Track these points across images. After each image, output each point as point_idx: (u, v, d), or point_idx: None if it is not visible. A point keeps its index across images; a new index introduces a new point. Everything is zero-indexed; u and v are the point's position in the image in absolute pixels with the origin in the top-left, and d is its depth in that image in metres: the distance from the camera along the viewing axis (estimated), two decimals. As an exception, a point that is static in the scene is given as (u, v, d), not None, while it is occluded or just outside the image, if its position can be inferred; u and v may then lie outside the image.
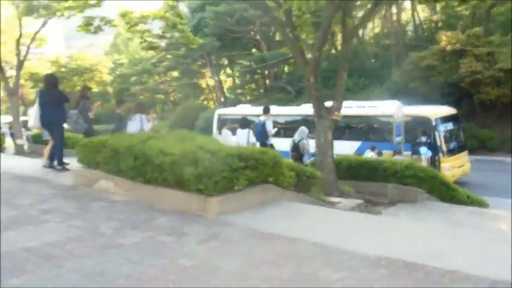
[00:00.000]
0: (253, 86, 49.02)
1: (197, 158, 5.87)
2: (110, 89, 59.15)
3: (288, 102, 34.64)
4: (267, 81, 45.52)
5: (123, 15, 14.75)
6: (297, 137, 12.05)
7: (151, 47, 28.69)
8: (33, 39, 18.83)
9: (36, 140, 19.78)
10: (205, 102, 55.71)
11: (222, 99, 46.85)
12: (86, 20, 14.98)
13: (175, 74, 57.15)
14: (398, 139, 16.25)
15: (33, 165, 10.40)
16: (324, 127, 9.80)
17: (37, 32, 18.71)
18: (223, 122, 24.91)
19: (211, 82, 50.97)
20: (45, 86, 9.16)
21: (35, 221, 5.73)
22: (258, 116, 17.64)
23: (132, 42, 71.87)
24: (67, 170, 8.85)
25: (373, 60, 38.22)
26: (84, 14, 15.18)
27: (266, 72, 43.92)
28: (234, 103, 39.10)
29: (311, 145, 11.97)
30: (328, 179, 9.35)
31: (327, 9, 8.90)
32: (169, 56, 50.58)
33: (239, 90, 48.12)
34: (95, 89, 50.52)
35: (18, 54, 18.72)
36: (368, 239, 4.83)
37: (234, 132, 11.77)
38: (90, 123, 9.59)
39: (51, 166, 9.11)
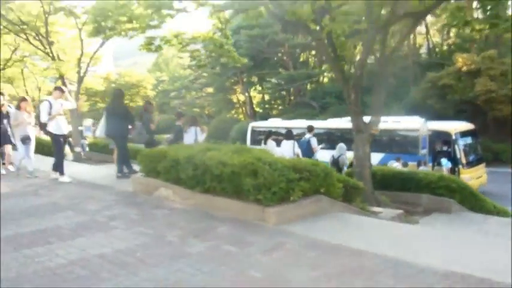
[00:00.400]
0: (279, 101, 48.70)
1: (256, 169, 5.50)
2: (153, 103, 59.52)
3: (313, 116, 34.10)
4: (292, 97, 45.14)
5: (176, 35, 14.57)
6: (336, 152, 11.65)
7: (200, 65, 28.45)
8: (91, 58, 18.89)
9: (91, 148, 19.81)
10: (235, 116, 55.55)
11: (251, 113, 46.64)
12: (148, 40, 14.84)
13: (210, 90, 57.21)
14: (423, 151, 15.67)
15: (95, 172, 10.20)
16: (362, 141, 9.34)
17: (96, 52, 18.76)
18: (256, 134, 24.59)
19: (242, 97, 50.86)
20: (111, 99, 8.95)
21: (104, 227, 5.40)
22: (287, 128, 17.17)
23: (172, 61, 72.89)
24: (135, 172, 8.57)
25: (391, 79, 37.40)
26: (145, 34, 15.03)
27: (292, 89, 43.53)
28: (263, 117, 38.77)
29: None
30: (367, 189, 8.83)
31: (369, 30, 8.50)
32: (205, 74, 50.73)
33: (267, 105, 47.81)
34: (140, 102, 50.93)
35: (78, 72, 18.78)
36: (429, 252, 4.36)
37: (277, 144, 11.36)
38: (152, 134, 9.36)
39: (121, 173, 8.80)
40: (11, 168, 9.47)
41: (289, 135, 10.99)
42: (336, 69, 9.60)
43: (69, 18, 18.36)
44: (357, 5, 9.02)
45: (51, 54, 18.87)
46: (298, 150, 10.43)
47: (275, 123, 25.19)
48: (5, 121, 8.83)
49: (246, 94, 47.94)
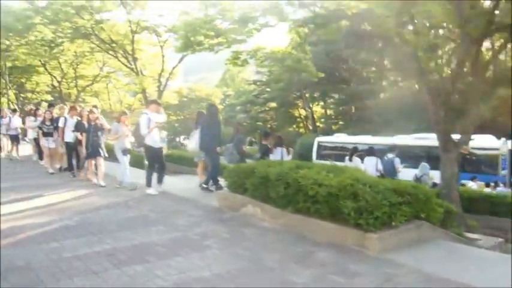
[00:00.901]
0: (340, 116, 47.46)
1: (356, 191, 4.86)
2: (220, 117, 60.27)
3: (376, 132, 32.70)
4: (354, 112, 43.78)
5: (256, 50, 14.29)
6: (419, 172, 10.73)
7: (278, 79, 28.14)
8: (171, 73, 19.11)
9: (166, 159, 19.87)
10: (297, 130, 54.86)
11: (313, 128, 45.80)
12: (235, 54, 14.70)
13: (273, 104, 56.99)
14: (503, 172, 14.18)
15: (176, 184, 9.91)
16: (450, 160, 8.40)
17: (175, 67, 18.96)
18: (322, 149, 23.78)
19: (304, 112, 50.14)
20: (208, 115, 8.63)
21: (198, 246, 4.97)
22: (354, 144, 16.19)
23: (238, 77, 73.66)
24: (221, 188, 8.17)
25: (457, 96, 35.22)
26: (230, 49, 14.93)
27: (353, 104, 42.26)
28: (324, 131, 37.80)
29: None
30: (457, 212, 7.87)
31: (462, 44, 7.63)
32: (268, 89, 50.61)
33: (330, 120, 46.73)
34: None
35: (159, 86, 19.04)
36: None
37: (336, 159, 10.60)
38: (242, 155, 9.00)
39: (206, 186, 8.44)
40: (95, 180, 9.23)
41: (371, 151, 10.21)
42: (423, 84, 8.74)
43: (152, 36, 18.67)
44: (443, 17, 8.18)
45: (135, 70, 19.31)
46: (380, 167, 9.64)
47: (341, 138, 24.26)
48: (99, 133, 8.78)
49: (308, 109, 47.21)
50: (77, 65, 28.06)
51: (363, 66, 42.16)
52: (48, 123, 10.41)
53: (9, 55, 27.34)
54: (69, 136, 9.73)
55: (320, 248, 4.84)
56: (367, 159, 9.97)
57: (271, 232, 5.55)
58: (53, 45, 20.88)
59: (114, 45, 18.54)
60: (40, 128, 10.46)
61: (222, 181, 8.19)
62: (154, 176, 8.50)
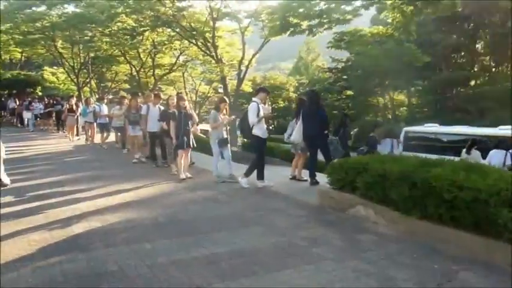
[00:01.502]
0: (425, 105, 44.54)
1: (515, 197, 3.90)
2: (293, 105, 59.45)
3: (469, 122, 30.09)
4: (443, 101, 40.81)
5: (354, 33, 13.31)
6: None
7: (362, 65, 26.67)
8: (250, 60, 18.67)
9: (245, 148, 19.55)
10: (374, 119, 52.50)
11: (393, 117, 43.43)
12: (338, 36, 13.81)
13: (349, 92, 55.09)
14: None
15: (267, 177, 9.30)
16: None
17: (255, 54, 18.47)
18: (410, 140, 22.13)
19: (381, 100, 47.78)
20: (307, 101, 7.99)
21: (308, 255, 4.30)
22: (448, 134, 14.79)
23: (312, 65, 72.29)
24: (317, 183, 7.56)
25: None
26: (331, 31, 14.08)
27: (442, 92, 39.35)
28: (407, 121, 35.63)
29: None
30: None
31: None
32: (344, 77, 48.87)
33: (414, 109, 44.04)
34: (281, 104, 51.13)
35: (239, 74, 18.70)
36: None
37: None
38: (347, 149, 8.25)
39: (313, 181, 7.76)
40: (182, 175, 8.58)
41: (503, 143, 8.86)
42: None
43: (231, 23, 18.34)
44: None
45: (215, 58, 19.10)
46: (509, 162, 8.32)
47: (432, 128, 22.40)
48: (189, 122, 8.35)
49: (387, 96, 44.86)
50: (155, 54, 28.63)
51: (453, 51, 39.10)
52: (134, 111, 10.32)
53: (92, 46, 28.55)
54: (154, 125, 9.52)
55: (462, 266, 3.97)
56: (493, 152, 8.67)
57: (392, 241, 4.75)
58: (134, 34, 21.32)
59: (194, 32, 18.42)
60: (126, 116, 10.40)
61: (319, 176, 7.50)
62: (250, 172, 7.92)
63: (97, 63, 32.59)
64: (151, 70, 30.32)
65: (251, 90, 48.57)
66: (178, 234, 5.01)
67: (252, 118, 7.47)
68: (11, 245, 4.60)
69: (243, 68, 18.93)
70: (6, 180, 4.80)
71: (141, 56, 28.67)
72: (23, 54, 38.47)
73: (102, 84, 39.15)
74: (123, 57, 29.41)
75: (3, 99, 36.48)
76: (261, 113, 7.48)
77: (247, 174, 7.67)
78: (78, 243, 4.68)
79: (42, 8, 28.71)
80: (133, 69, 30.22)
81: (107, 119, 13.40)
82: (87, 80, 34.15)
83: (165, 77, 32.10)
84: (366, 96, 50.99)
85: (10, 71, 35.06)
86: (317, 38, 75.05)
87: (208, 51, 19.56)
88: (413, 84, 42.21)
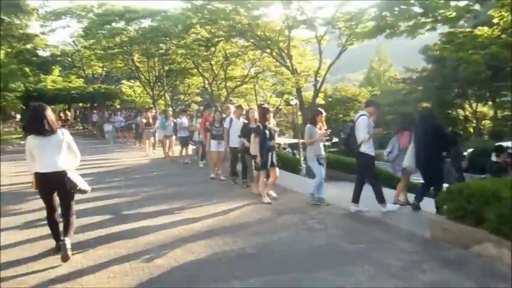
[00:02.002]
0: (513, 117, 40.74)
1: None
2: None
3: None
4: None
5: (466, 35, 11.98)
6: None
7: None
8: (327, 70, 17.81)
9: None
10: (455, 132, 48.97)
11: (477, 131, 40.21)
12: (451, 36, 12.54)
13: (426, 104, 52.06)
14: None
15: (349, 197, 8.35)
16: None
17: (332, 63, 17.60)
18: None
19: (462, 112, 44.54)
20: (421, 120, 6.93)
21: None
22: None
23: (384, 76, 69.67)
24: (418, 208, 6.61)
25: None
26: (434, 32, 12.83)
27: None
28: (493, 136, 32.80)
29: None
30: None
31: None
32: (420, 88, 46.28)
33: (501, 122, 40.52)
34: (353, 116, 49.51)
35: (315, 85, 17.90)
36: None
37: None
38: (461, 173, 7.17)
39: (416, 205, 6.78)
40: (266, 199, 7.61)
41: None
42: None
43: (304, 32, 17.62)
44: None
45: (290, 68, 18.46)
46: None
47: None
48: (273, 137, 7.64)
49: (471, 109, 41.72)
50: (227, 66, 28.66)
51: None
52: (217, 124, 9.69)
53: (167, 59, 29.19)
54: (235, 140, 8.85)
55: None
56: None
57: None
58: (209, 44, 21.34)
59: (268, 42, 17.95)
60: (209, 130, 9.86)
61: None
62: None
63: (171, 76, 33.36)
64: (223, 82, 30.40)
65: (323, 102, 47.64)
66: (270, 270, 4.29)
67: (363, 134, 6.58)
68: (91, 276, 4.16)
69: (319, 78, 18.07)
70: (86, 187, 4.81)
71: (214, 68, 28.84)
72: (104, 69, 40.49)
73: (175, 97, 40.11)
74: (196, 70, 29.78)
75: (86, 112, 38.56)
76: (371, 129, 6.59)
77: (381, 200, 6.74)
78: (160, 278, 4.11)
79: (121, 24, 29.89)
80: (206, 81, 30.48)
81: (187, 131, 12.95)
82: (162, 93, 35.04)
83: (236, 89, 32.08)
84: (443, 108, 47.95)
85: (92, 85, 36.88)
86: (389, 47, 72.04)
87: (282, 62, 18.94)
88: (501, 95, 38.93)
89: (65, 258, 4.35)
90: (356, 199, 6.84)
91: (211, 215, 6.65)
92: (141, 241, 5.27)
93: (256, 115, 8.17)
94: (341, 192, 8.35)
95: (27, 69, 25.61)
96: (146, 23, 30.35)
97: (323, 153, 7.43)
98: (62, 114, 43.13)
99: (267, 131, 7.39)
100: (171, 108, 29.51)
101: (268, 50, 18.93)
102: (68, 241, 4.46)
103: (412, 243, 5.20)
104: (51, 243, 4.91)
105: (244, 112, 9.23)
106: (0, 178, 9.90)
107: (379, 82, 70.25)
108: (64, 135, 4.63)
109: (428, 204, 6.72)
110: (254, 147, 7.53)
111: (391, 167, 7.62)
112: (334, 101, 48.11)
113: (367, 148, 6.64)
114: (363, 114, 6.72)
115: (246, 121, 8.65)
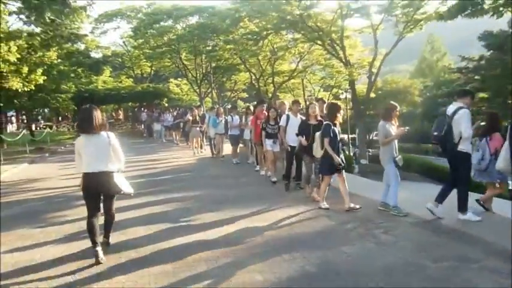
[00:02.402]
0: None
1: None
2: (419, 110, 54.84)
3: None
4: None
5: None
6: None
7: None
8: (382, 61, 16.70)
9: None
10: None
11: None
12: None
13: (483, 95, 48.96)
14: None
15: (414, 200, 7.42)
16: None
17: (388, 53, 16.47)
18: None
19: (524, 102, 41.35)
20: None
21: None
22: None
23: (437, 65, 66.37)
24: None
25: None
26: None
27: None
28: None
29: None
30: None
31: None
32: (477, 77, 43.43)
33: None
34: (404, 109, 47.28)
35: (369, 77, 16.85)
36: None
37: None
38: None
39: None
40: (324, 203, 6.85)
41: None
42: None
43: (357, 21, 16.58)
44: None
45: (344, 60, 17.47)
46: None
47: None
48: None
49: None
50: (274, 61, 27.97)
51: None
52: (272, 122, 8.89)
53: (214, 55, 28.92)
54: (293, 139, 7.97)
55: None
56: None
57: None
58: (258, 38, 20.68)
59: (320, 33, 17.04)
60: (264, 128, 9.06)
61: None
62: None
63: (218, 73, 33.12)
64: (271, 78, 29.74)
65: (373, 95, 45.88)
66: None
67: (468, 130, 5.66)
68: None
69: (374, 70, 16.94)
70: (129, 190, 4.94)
71: (261, 63, 28.25)
72: (152, 68, 40.99)
73: (222, 94, 39.92)
74: (243, 66, 29.31)
75: (135, 110, 39.18)
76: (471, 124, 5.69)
77: (462, 209, 5.87)
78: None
79: (169, 22, 29.98)
80: (253, 77, 29.95)
81: (238, 130, 12.27)
82: (209, 91, 34.88)
83: (283, 85, 31.34)
84: (505, 97, 44.99)
85: (140, 84, 37.37)
86: (443, 37, 68.36)
87: (334, 53, 17.96)
88: None
89: (98, 262, 4.49)
90: (440, 200, 5.96)
91: (266, 225, 6.00)
92: (191, 258, 4.70)
93: (318, 111, 7.38)
94: (406, 196, 7.48)
95: (79, 71, 26.18)
96: (194, 20, 30.30)
97: (398, 154, 6.49)
98: (114, 114, 44.41)
99: (336, 130, 6.53)
100: (217, 106, 29.25)
101: (320, 42, 17.91)
102: (106, 241, 4.95)
103: (507, 262, 4.32)
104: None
105: (301, 107, 8.39)
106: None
107: (432, 73, 67.08)
108: (110, 137, 4.73)
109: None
110: (318, 149, 6.66)
111: (479, 176, 6.47)
112: (384, 94, 46.13)
113: (465, 146, 5.72)
114: (461, 107, 5.76)
115: (303, 117, 7.86)
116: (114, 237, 5.21)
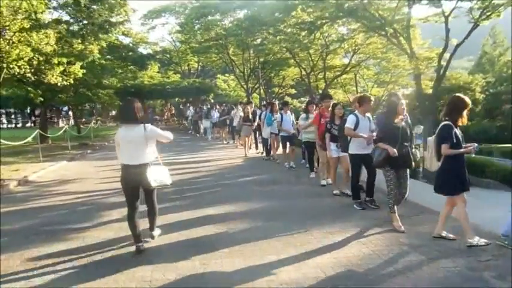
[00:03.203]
0: None
1: None
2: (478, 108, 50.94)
3: None
4: None
5: None
6: None
7: None
8: (453, 52, 14.59)
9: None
10: None
11: None
12: None
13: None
14: None
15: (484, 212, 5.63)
16: None
17: (460, 43, 14.32)
18: None
19: None
20: None
21: None
22: None
23: (499, 61, 61.78)
24: None
25: None
26: None
27: None
28: None
29: None
30: None
31: None
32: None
33: None
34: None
35: (438, 70, 14.79)
36: None
37: None
38: None
39: None
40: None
41: None
42: None
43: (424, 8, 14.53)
44: None
45: (408, 52, 15.46)
46: None
47: None
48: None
49: None
50: (327, 54, 26.04)
51: None
52: (338, 122, 7.22)
53: (263, 49, 27.47)
54: (362, 145, 6.28)
55: None
56: None
57: None
58: (312, 28, 18.84)
59: (382, 21, 15.09)
60: (328, 130, 7.32)
61: None
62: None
63: (266, 68, 31.60)
64: (321, 73, 27.83)
65: (431, 91, 42.82)
66: None
67: None
68: None
69: (443, 63, 14.83)
70: (167, 180, 4.92)
71: (312, 57, 26.45)
72: (199, 64, 40.20)
73: (269, 90, 38.34)
74: (292, 60, 27.61)
75: (181, 106, 38.51)
76: None
77: None
78: None
79: (217, 16, 28.91)
80: (303, 72, 28.15)
81: (292, 129, 10.54)
82: (256, 86, 33.46)
83: (334, 80, 29.28)
84: None
85: (187, 79, 36.60)
86: (506, 30, 64.01)
87: (398, 45, 15.95)
88: None
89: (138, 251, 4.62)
90: None
91: (327, 254, 4.48)
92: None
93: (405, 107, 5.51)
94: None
95: (123, 65, 25.46)
96: (242, 13, 29.06)
97: None
98: (164, 110, 44.05)
99: (459, 133, 4.72)
100: (273, 101, 27.81)
101: (383, 32, 15.87)
102: (156, 233, 5.06)
103: None
104: None
105: (372, 104, 6.54)
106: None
107: (493, 68, 62.46)
108: (147, 130, 4.66)
109: None
110: (433, 159, 4.87)
111: None
112: (443, 90, 42.88)
113: None
114: None
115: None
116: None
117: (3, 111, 44.11)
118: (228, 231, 5.39)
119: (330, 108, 7.89)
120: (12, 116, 43.57)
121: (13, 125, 39.58)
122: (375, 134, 5.84)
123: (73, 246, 4.92)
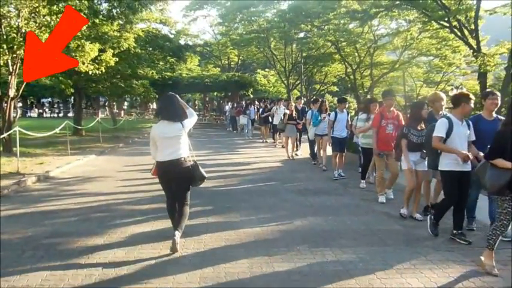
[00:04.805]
0: None
1: None
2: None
3: None
4: None
5: None
6: None
7: None
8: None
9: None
10: None
11: None
12: None
13: None
14: None
15: None
16: None
17: None
18: None
19: None
20: None
21: None
22: None
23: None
24: None
25: None
26: None
27: None
28: None
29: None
30: None
31: None
32: None
33: None
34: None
35: (507, 68, 12.92)
36: None
37: None
38: None
39: None
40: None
41: None
42: None
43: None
44: None
45: (475, 46, 13.66)
46: None
47: None
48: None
49: None
50: (374, 50, 24.27)
51: None
52: (419, 127, 5.65)
53: (306, 42, 26.07)
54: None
55: None
56: None
57: None
58: (365, 17, 17.14)
59: (447, 10, 13.35)
60: (405, 135, 5.63)
61: None
62: None
63: (308, 63, 30.06)
64: (368, 70, 26.07)
65: (478, 91, 39.66)
66: None
67: None
68: None
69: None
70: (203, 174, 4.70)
71: (359, 52, 24.77)
72: (240, 58, 39.11)
73: (310, 87, 36.73)
74: (337, 55, 25.98)
75: (221, 101, 37.63)
76: None
77: None
78: None
79: (260, 8, 27.74)
80: (348, 69, 26.47)
81: (345, 132, 9.08)
82: (297, 82, 32.07)
83: (380, 78, 27.38)
84: None
85: (226, 73, 35.61)
86: None
87: (462, 38, 14.11)
88: None
89: (174, 250, 4.37)
90: None
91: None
92: None
93: None
94: None
95: (162, 56, 24.61)
96: (286, 4, 27.78)
97: None
98: (207, 105, 43.45)
99: None
100: (321, 98, 26.43)
101: (447, 24, 13.97)
102: (178, 234, 4.48)
103: None
104: None
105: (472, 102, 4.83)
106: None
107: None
108: (184, 124, 4.57)
109: None
110: None
111: None
112: (497, 90, 39.86)
113: None
114: None
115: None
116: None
117: (47, 100, 44.94)
118: (271, 258, 4.18)
119: (391, 108, 6.59)
120: (55, 106, 44.27)
121: (55, 115, 40.05)
122: (481, 153, 4.43)
123: (69, 272, 3.86)
